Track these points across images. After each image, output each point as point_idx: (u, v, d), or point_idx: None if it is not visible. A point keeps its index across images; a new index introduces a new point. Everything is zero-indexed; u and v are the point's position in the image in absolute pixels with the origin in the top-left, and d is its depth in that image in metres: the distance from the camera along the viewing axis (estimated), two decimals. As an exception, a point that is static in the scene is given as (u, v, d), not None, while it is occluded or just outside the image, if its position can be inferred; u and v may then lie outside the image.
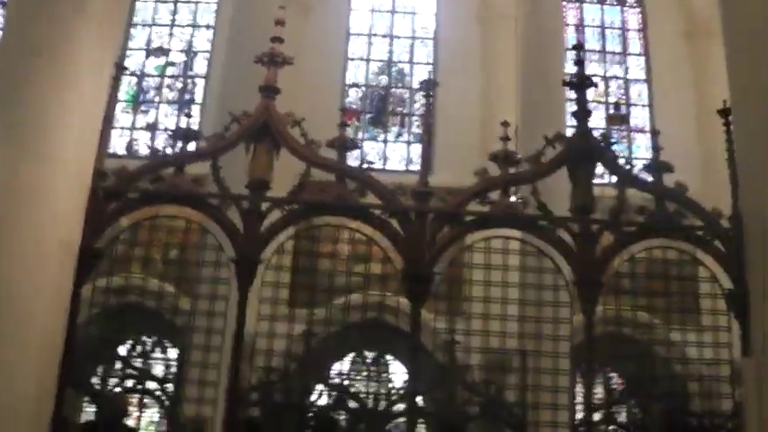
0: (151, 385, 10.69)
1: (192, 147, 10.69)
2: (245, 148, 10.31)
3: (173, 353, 19.17)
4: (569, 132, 10.89)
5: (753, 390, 9.18)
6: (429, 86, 11.05)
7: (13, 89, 9.23)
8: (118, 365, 11.18)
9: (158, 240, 11.17)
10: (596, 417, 10.73)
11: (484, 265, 10.27)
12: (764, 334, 9.32)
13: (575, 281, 9.96)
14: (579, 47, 11.24)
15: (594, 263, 9.95)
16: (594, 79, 11.52)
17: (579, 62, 11.04)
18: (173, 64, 26.43)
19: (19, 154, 8.91)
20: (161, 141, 25.14)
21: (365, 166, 10.41)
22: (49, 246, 8.87)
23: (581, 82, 10.84)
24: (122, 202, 10.02)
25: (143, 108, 25.59)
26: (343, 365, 20.80)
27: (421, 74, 26.03)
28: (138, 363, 14.13)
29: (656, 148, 10.90)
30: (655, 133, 11.09)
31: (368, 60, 26.42)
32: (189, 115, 11.02)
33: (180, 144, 10.62)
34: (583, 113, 10.63)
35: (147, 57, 26.34)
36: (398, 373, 20.34)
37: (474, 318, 10.32)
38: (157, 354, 19.97)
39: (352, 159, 10.93)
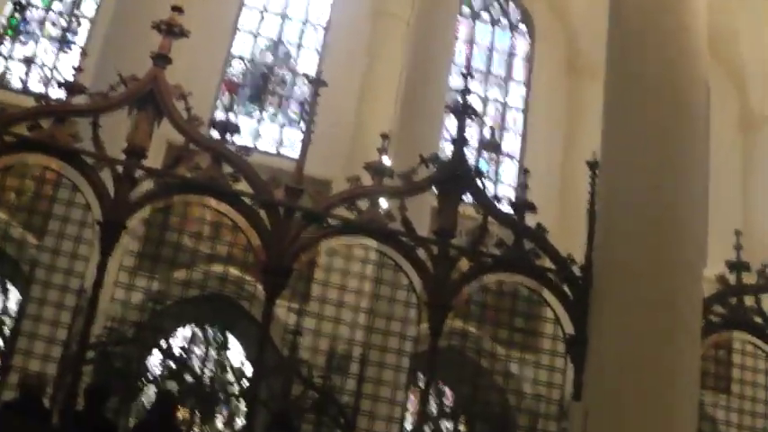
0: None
1: (76, 99, 10.55)
2: (128, 111, 10.26)
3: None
4: (442, 143, 11.08)
5: (577, 432, 9.63)
6: (317, 85, 11.06)
7: None
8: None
9: (26, 188, 11.04)
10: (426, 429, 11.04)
11: (342, 269, 10.44)
12: (595, 383, 9.77)
13: (426, 301, 10.20)
14: (468, 74, 11.45)
15: (448, 286, 10.22)
16: (473, 98, 11.73)
17: (465, 90, 11.28)
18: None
19: None
20: (35, 76, 24.69)
21: (243, 151, 10.32)
22: None
23: (463, 110, 11.07)
24: (-2, 145, 9.89)
25: (22, 39, 24.98)
26: (184, 337, 20.63)
27: (307, 58, 26.10)
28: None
29: (522, 187, 11.19)
30: (524, 172, 11.35)
31: (257, 35, 26.32)
32: (79, 69, 10.81)
33: (60, 90, 10.46)
34: (460, 140, 10.88)
35: (36, -13, 25.72)
36: (237, 353, 20.31)
37: (325, 320, 10.45)
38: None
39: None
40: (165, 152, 16.72)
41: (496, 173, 25.95)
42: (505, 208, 11.05)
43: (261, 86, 25.77)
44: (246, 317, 15.07)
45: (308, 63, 25.98)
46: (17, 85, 24.17)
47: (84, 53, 11.56)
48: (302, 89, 25.71)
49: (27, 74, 24.59)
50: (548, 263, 10.74)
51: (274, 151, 24.58)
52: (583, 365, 10.02)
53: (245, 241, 10.22)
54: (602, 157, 10.92)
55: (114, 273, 9.98)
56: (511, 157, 26.35)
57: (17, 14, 24.86)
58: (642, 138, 10.38)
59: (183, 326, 20.37)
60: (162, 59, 10.39)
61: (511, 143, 26.61)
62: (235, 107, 23.36)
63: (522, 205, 10.92)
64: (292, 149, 24.34)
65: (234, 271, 11.77)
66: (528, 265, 10.65)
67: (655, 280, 9.83)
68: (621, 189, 10.41)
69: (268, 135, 25.13)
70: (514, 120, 26.91)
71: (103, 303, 9.96)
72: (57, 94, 22.27)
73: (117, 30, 19.46)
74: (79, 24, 25.44)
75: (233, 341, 21.28)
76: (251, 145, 23.17)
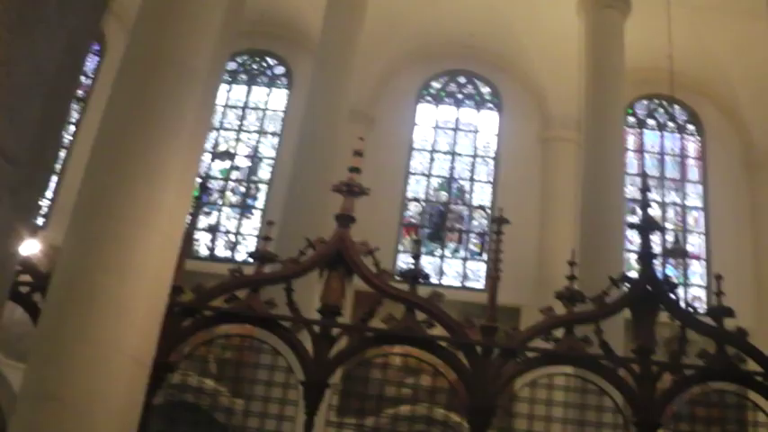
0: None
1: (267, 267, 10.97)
2: (319, 273, 10.63)
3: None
4: (626, 255, 10.98)
5: None
6: (499, 223, 11.22)
7: (99, 199, 9.51)
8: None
9: (229, 357, 11.45)
10: None
11: (546, 400, 10.46)
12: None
13: (635, 421, 10.10)
14: (645, 188, 11.46)
15: (654, 403, 10.10)
16: (652, 205, 11.69)
17: (644, 204, 11.28)
18: (237, 168, 27.01)
19: (100, 264, 9.15)
20: (220, 243, 25.71)
21: (435, 298, 10.53)
22: (123, 359, 9.01)
23: (646, 225, 11.07)
24: (198, 320, 10.34)
25: (206, 209, 26.05)
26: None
27: (481, 191, 26.48)
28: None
29: (718, 293, 11.01)
30: (718, 278, 11.18)
31: (429, 176, 26.89)
32: (267, 238, 11.31)
33: (238, 253, 10.87)
34: (647, 256, 10.84)
35: (213, 160, 26.91)
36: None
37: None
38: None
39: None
40: (353, 300, 17.17)
41: (685, 275, 25.57)
42: (701, 309, 10.94)
43: (439, 224, 26.21)
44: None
45: (482, 195, 26.36)
46: (204, 252, 25.22)
47: (270, 223, 12.04)
48: (480, 221, 26.04)
49: (213, 241, 25.64)
50: (751, 364, 10.55)
51: (459, 284, 24.84)
52: (810, 465, 9.78)
53: (445, 383, 10.38)
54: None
55: (321, 429, 10.22)
56: (697, 258, 25.97)
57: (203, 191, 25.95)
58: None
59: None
60: (346, 219, 10.76)
61: (695, 243, 26.26)
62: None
63: (719, 311, 10.77)
64: (477, 281, 24.62)
65: (439, 410, 11.93)
66: (733, 371, 10.46)
67: None
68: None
69: (451, 270, 25.43)
70: (696, 220, 26.55)
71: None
72: (242, 256, 23.50)
73: (293, 190, 20.27)
74: (258, 189, 26.47)
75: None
76: (436, 282, 23.50)
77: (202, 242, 25.64)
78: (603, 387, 10.50)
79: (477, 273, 25.10)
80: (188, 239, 10.72)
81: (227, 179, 26.80)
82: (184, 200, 10.46)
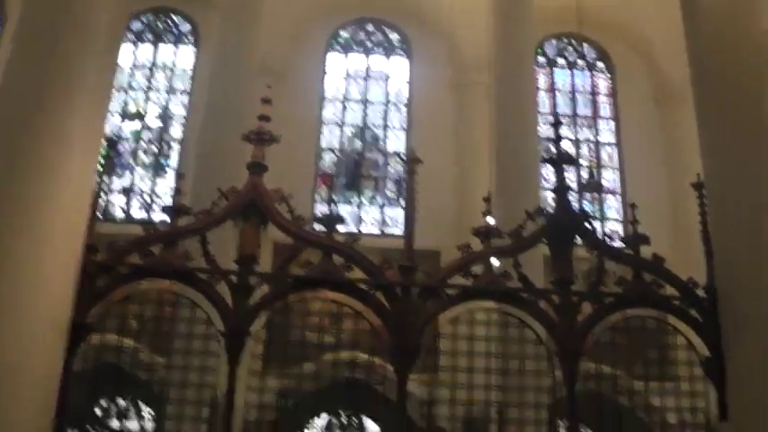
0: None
1: (181, 221, 10.81)
2: (234, 223, 10.49)
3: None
4: (543, 193, 11.02)
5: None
6: (412, 164, 11.14)
7: (2, 160, 9.20)
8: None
9: (147, 314, 11.31)
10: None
11: (467, 336, 10.47)
12: (739, 399, 9.63)
13: (556, 351, 10.16)
14: (557, 123, 11.46)
15: (575, 333, 10.16)
16: (566, 143, 11.72)
17: (557, 139, 11.29)
18: (148, 128, 26.67)
19: (7, 226, 8.90)
20: (135, 204, 25.43)
21: (351, 240, 10.46)
22: (40, 323, 8.81)
23: (559, 159, 11.08)
24: (113, 277, 10.11)
25: (118, 171, 25.72)
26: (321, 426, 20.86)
27: (395, 138, 26.47)
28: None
29: (633, 221, 11.11)
30: (632, 207, 11.28)
31: (342, 125, 26.79)
32: (179, 191, 11.16)
33: (154, 213, 10.72)
34: (561, 189, 10.87)
35: (123, 121, 26.53)
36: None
37: (459, 388, 10.47)
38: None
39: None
40: (272, 252, 17.07)
41: (601, 210, 25.84)
42: (618, 244, 11.00)
43: (354, 173, 26.15)
44: (380, 398, 15.19)
45: (396, 142, 26.37)
46: (120, 215, 24.94)
47: (181, 176, 11.85)
48: (396, 168, 26.05)
49: (128, 203, 25.36)
50: (670, 290, 10.66)
51: (378, 232, 24.87)
52: (724, 385, 9.91)
53: (368, 326, 10.32)
54: (706, 176, 10.81)
55: (245, 378, 10.13)
56: (612, 192, 26.24)
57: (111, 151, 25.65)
58: (741, 148, 10.23)
59: (318, 416, 20.64)
60: (257, 167, 10.61)
61: (610, 179, 26.52)
62: (333, 197, 23.81)
63: (635, 239, 10.87)
64: (396, 227, 24.63)
65: (362, 355, 11.87)
66: (651, 297, 10.56)
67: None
68: (731, 203, 10.25)
69: (370, 218, 25.44)
70: (609, 156, 26.83)
71: (237, 408, 10.08)
72: (159, 216, 23.25)
73: (206, 147, 20.06)
74: (170, 148, 26.20)
75: (370, 424, 21.39)
76: (354, 230, 23.49)
77: (117, 204, 25.34)
78: (525, 320, 10.53)
79: (396, 219, 25.10)
80: (97, 198, 10.48)
81: (138, 140, 26.46)
82: (91, 157, 10.20)
